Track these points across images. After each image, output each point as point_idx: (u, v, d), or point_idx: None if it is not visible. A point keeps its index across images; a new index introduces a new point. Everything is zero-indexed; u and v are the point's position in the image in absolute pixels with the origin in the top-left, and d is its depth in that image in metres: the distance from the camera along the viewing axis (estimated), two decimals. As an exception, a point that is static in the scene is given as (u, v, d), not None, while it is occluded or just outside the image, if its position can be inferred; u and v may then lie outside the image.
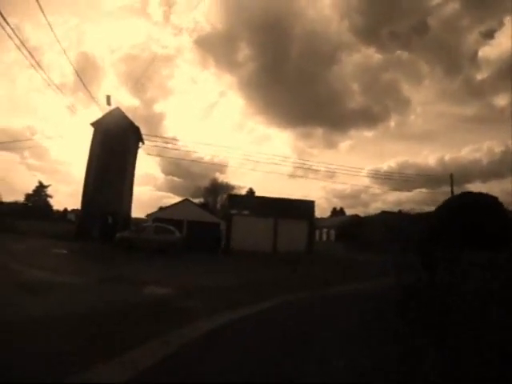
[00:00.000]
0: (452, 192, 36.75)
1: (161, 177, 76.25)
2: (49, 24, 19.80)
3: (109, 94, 26.62)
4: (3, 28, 10.12)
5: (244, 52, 63.59)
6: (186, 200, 30.55)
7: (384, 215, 40.78)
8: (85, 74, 59.60)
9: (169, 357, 4.02)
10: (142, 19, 71.35)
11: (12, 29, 10.54)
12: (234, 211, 28.83)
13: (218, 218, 29.95)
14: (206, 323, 5.71)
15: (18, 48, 11.92)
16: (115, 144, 25.82)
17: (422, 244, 9.46)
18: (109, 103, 25.31)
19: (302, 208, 29.52)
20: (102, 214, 24.61)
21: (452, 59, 63.41)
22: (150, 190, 70.80)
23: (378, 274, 11.92)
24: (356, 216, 50.72)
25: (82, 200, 25.52)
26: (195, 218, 27.12)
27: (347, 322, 6.06)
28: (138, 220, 31.74)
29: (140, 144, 29.70)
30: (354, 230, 41.23)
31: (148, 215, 27.99)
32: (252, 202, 29.19)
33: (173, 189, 64.73)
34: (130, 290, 8.24)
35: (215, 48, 63.53)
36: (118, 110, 27.33)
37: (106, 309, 6.15)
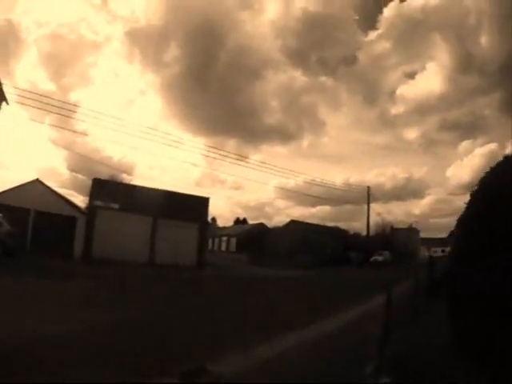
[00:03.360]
0: (368, 205, 34.84)
1: (66, 173, 64.62)
2: None
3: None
4: None
5: (172, 53, 57.86)
6: (37, 181, 21.13)
7: (293, 225, 36.09)
8: (6, 44, 45.64)
9: None
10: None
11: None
12: (98, 203, 20.16)
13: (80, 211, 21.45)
14: None
15: None
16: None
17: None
18: None
19: (193, 206, 22.40)
20: None
21: (372, 92, 66.82)
22: (51, 186, 55.37)
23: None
24: (261, 224, 45.45)
25: None
26: (46, 208, 19.46)
27: None
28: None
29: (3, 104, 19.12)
30: (259, 240, 35.70)
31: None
32: (125, 193, 20.73)
33: (77, 187, 52.90)
34: None
35: (145, 43, 57.30)
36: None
37: None
